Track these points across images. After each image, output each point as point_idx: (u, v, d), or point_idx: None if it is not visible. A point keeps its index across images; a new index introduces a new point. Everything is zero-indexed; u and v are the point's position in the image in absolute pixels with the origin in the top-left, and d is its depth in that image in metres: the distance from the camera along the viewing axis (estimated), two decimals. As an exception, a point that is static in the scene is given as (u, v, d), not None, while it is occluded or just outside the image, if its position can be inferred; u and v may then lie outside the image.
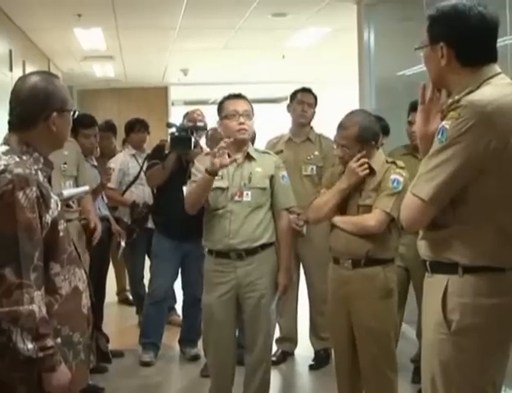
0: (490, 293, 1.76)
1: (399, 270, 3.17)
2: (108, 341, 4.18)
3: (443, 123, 1.74)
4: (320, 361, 4.10)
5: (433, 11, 1.86)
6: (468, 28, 1.78)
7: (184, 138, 3.95)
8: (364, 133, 2.78)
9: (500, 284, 1.78)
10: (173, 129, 4.11)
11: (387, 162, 2.84)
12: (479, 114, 1.68)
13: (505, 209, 1.76)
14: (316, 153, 4.05)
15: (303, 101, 4.10)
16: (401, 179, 2.74)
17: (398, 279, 2.98)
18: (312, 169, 4.03)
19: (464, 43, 1.79)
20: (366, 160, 2.78)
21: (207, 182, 2.93)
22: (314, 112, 4.17)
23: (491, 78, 1.78)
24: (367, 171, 2.77)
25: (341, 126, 2.86)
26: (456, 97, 1.76)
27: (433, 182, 1.73)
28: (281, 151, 4.04)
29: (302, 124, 4.13)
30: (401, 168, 2.79)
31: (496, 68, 1.82)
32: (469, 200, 1.75)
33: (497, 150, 1.70)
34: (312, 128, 4.19)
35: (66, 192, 2.92)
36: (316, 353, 4.15)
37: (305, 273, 4.14)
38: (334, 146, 2.96)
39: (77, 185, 3.55)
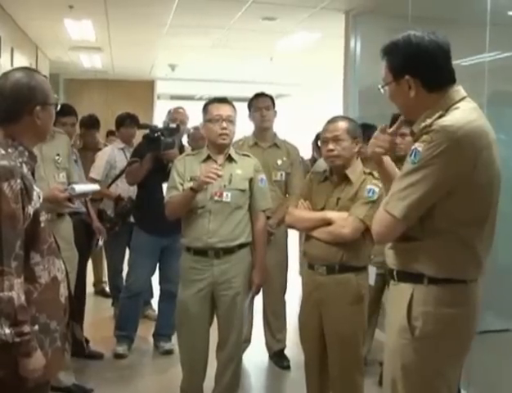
0: (452, 303, 1.88)
1: (376, 277, 3.25)
2: (88, 341, 4.20)
3: (416, 145, 1.83)
4: (278, 360, 4.16)
5: (389, 47, 1.94)
6: (428, 55, 1.88)
7: (154, 139, 3.99)
8: (353, 128, 2.86)
9: (462, 295, 1.89)
10: (147, 131, 4.13)
11: (364, 173, 2.89)
12: (450, 139, 1.77)
13: (468, 225, 1.86)
14: (285, 159, 4.06)
15: (259, 106, 4.09)
16: (376, 189, 2.80)
17: (374, 285, 3.06)
18: (282, 174, 4.04)
19: (429, 71, 1.88)
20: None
21: (190, 198, 3.01)
22: (275, 112, 4.16)
23: (458, 102, 1.88)
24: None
25: (331, 121, 2.90)
26: (428, 121, 1.84)
27: (406, 201, 1.83)
28: None
29: (266, 128, 4.11)
30: (378, 179, 2.82)
31: (462, 92, 1.92)
32: (436, 216, 1.85)
33: (465, 172, 1.81)
34: (275, 134, 4.19)
35: (78, 188, 2.81)
36: (274, 353, 4.20)
37: None
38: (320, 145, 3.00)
39: (68, 177, 3.46)
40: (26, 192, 1.79)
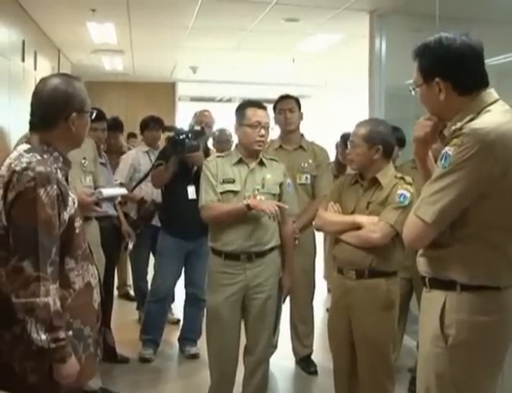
0: (486, 311, 1.83)
1: (403, 282, 3.20)
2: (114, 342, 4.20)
3: (446, 149, 1.79)
4: (305, 365, 4.13)
5: (420, 48, 1.90)
6: (459, 59, 1.83)
7: (178, 142, 3.95)
8: (372, 135, 2.83)
9: (496, 302, 1.85)
10: (172, 133, 4.09)
11: (395, 177, 2.85)
12: (482, 142, 1.73)
13: (501, 230, 1.82)
14: (310, 161, 3.98)
15: (283, 109, 4.02)
16: (408, 195, 2.75)
17: (401, 290, 3.01)
18: (307, 177, 3.96)
19: (459, 74, 1.83)
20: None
21: (243, 214, 2.96)
22: (301, 114, 4.07)
23: (490, 104, 1.83)
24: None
25: (357, 124, 2.93)
26: (459, 124, 1.80)
27: (437, 205, 1.79)
28: None
29: (290, 130, 4.02)
30: (409, 184, 2.81)
31: (494, 94, 1.87)
32: (467, 222, 1.81)
33: (498, 176, 1.76)
34: (302, 135, 4.11)
35: (105, 192, 2.84)
36: (301, 358, 4.16)
37: None
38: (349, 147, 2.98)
39: (94, 181, 3.46)
40: (62, 198, 1.80)
